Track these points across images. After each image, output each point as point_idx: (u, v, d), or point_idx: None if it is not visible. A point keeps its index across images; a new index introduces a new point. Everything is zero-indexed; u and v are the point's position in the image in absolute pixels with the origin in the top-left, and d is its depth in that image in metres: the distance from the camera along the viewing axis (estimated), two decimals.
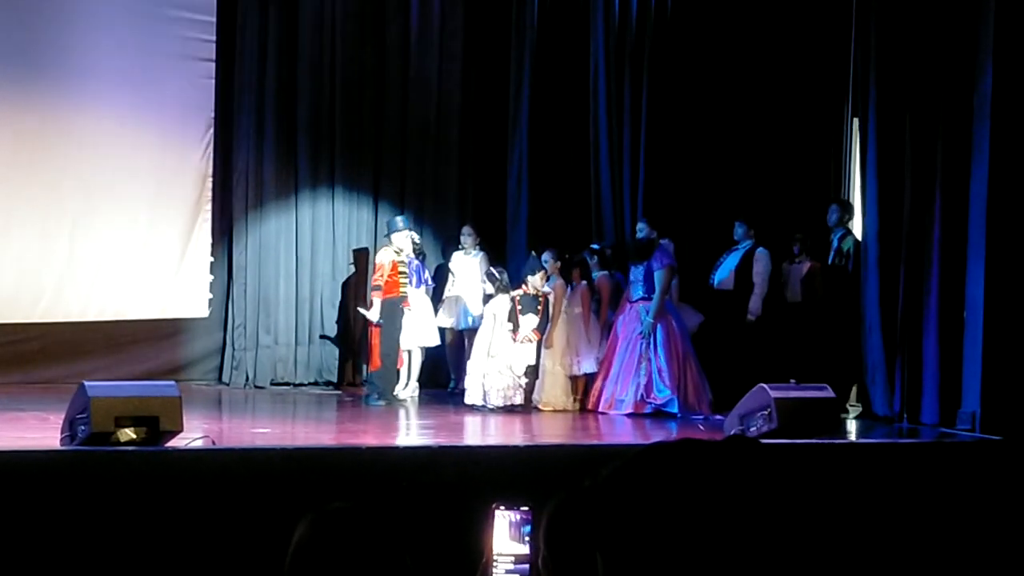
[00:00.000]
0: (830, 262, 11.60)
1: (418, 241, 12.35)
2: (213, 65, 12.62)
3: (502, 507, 4.28)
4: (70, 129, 12.08)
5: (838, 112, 12.59)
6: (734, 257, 11.78)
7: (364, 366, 12.20)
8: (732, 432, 8.29)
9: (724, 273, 11.80)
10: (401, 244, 11.67)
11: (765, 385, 8.80)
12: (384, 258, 11.65)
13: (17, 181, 11.87)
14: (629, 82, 12.94)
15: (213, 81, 12.64)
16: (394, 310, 11.53)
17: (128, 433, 7.05)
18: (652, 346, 11.04)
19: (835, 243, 11.64)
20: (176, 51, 12.45)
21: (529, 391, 11.21)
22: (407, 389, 12.25)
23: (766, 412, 8.57)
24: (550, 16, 13.42)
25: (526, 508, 4.28)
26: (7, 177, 11.84)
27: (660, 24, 12.86)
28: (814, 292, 11.57)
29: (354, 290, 13.19)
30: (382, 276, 11.55)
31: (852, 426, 10.67)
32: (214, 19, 12.59)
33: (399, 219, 11.95)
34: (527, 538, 4.18)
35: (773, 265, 11.70)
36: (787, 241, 11.89)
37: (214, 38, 12.62)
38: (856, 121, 12.14)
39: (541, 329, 11.21)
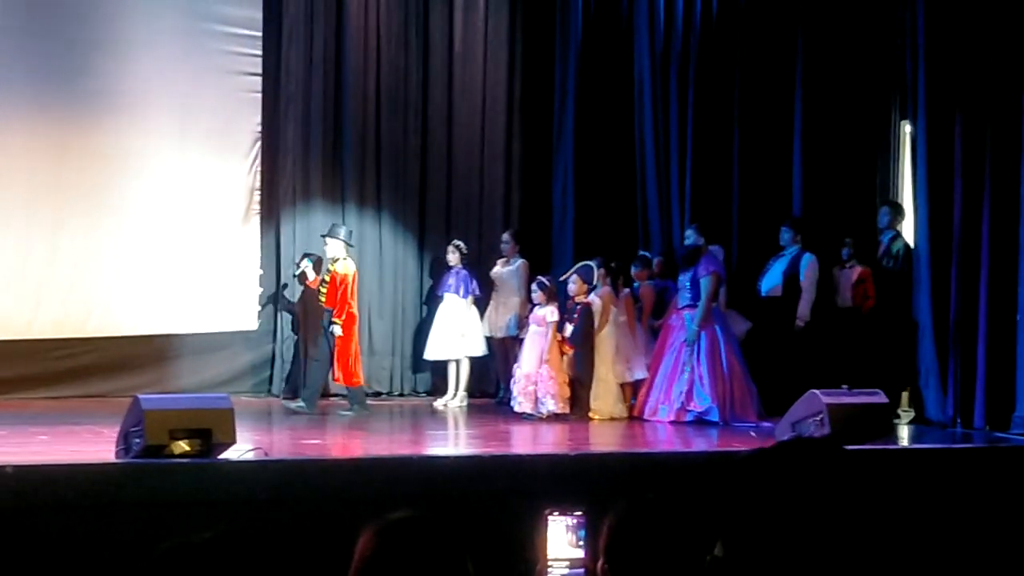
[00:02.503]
0: (881, 265, 11.52)
1: (466, 250, 12.39)
2: (259, 79, 12.73)
3: (555, 513, 4.29)
4: (117, 145, 12.19)
5: (885, 115, 12.50)
6: (781, 263, 11.71)
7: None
8: (784, 439, 8.24)
9: (771, 279, 11.73)
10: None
11: (817, 391, 8.74)
12: (351, 269, 11.61)
13: (66, 197, 11.99)
14: (675, 88, 12.91)
15: (259, 95, 12.74)
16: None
17: (182, 445, 7.07)
18: (695, 354, 11.01)
19: (885, 246, 11.56)
20: (223, 66, 12.56)
21: (575, 400, 11.21)
22: (455, 399, 12.27)
23: (818, 418, 8.50)
24: (595, 23, 13.43)
25: (579, 513, 4.29)
26: (56, 193, 11.96)
27: (705, 29, 12.82)
28: (865, 297, 11.49)
29: (401, 301, 13.24)
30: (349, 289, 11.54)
31: (905, 431, 10.59)
32: (260, 34, 12.70)
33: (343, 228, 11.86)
34: (581, 543, 4.19)
35: (821, 270, 11.63)
36: (834, 246, 11.82)
37: (260, 52, 12.72)
38: (905, 124, 12.06)
39: (574, 340, 11.19)
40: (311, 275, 11.89)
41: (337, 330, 11.31)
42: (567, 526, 3.97)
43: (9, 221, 11.81)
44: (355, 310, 11.53)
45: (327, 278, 11.53)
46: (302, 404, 11.28)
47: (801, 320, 11.42)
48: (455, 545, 2.79)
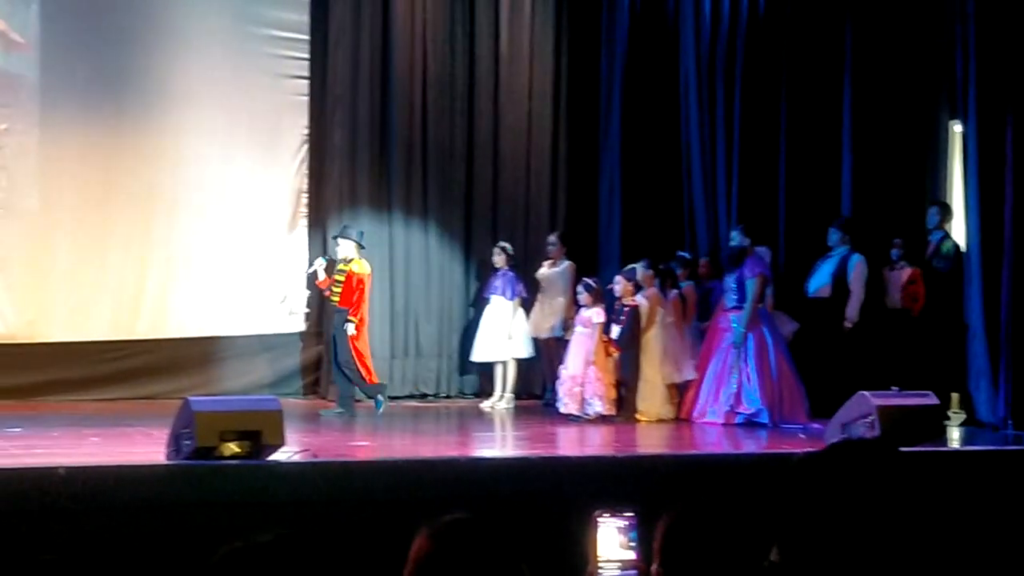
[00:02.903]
0: (930, 266, 11.44)
1: (512, 252, 12.39)
2: (306, 83, 12.79)
3: (606, 514, 4.27)
4: (165, 148, 12.28)
5: (934, 114, 12.41)
6: (830, 264, 11.65)
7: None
8: (834, 441, 8.19)
9: (819, 280, 11.67)
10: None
11: (866, 392, 8.68)
12: (367, 270, 11.61)
13: (115, 201, 12.10)
14: (721, 88, 12.88)
15: (307, 98, 12.80)
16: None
17: (232, 447, 7.12)
18: (743, 356, 10.97)
19: (934, 246, 11.48)
20: (270, 69, 12.63)
21: (621, 401, 11.19)
22: (501, 400, 12.28)
23: (868, 420, 8.45)
24: (640, 24, 13.41)
25: (630, 514, 4.27)
26: (105, 197, 12.06)
27: (752, 27, 12.78)
28: (915, 298, 11.41)
29: (448, 303, 13.27)
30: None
31: (955, 433, 10.50)
32: (307, 37, 12.77)
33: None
34: (632, 544, 4.17)
35: (870, 271, 11.56)
36: (883, 246, 11.74)
37: (307, 56, 12.78)
38: (954, 123, 11.96)
39: (620, 342, 11.16)
40: (321, 276, 11.83)
41: (351, 329, 11.33)
42: (618, 527, 3.94)
43: (60, 224, 11.92)
44: (366, 311, 11.56)
45: (340, 279, 11.52)
46: (341, 410, 11.29)
47: (850, 321, 11.35)
48: (510, 547, 2.78)
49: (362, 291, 11.43)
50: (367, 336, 11.63)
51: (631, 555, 4.01)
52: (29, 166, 11.86)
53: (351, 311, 11.37)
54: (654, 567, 3.26)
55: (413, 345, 13.11)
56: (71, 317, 11.98)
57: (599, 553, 4.00)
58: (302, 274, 12.78)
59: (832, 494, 2.09)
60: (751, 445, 9.88)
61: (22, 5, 11.80)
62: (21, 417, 10.24)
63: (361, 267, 11.49)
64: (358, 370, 11.39)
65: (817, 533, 2.11)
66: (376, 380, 11.60)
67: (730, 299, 11.20)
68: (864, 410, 8.57)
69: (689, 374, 11.31)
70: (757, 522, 3.14)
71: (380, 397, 11.45)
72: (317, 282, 11.90)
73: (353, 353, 11.36)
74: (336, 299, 11.51)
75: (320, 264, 11.83)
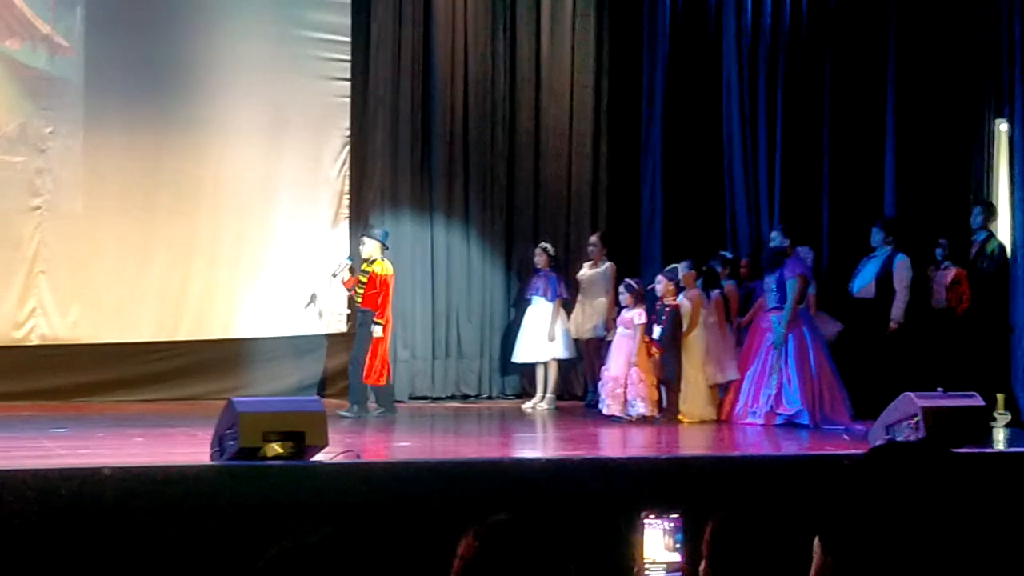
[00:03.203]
0: (975, 266, 11.35)
1: (553, 253, 12.38)
2: (348, 84, 12.82)
3: (652, 516, 4.26)
4: (208, 151, 12.35)
5: (979, 113, 12.31)
6: (873, 264, 11.58)
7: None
8: (878, 442, 8.15)
9: (863, 281, 11.60)
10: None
11: (911, 393, 8.62)
12: (391, 270, 11.58)
13: (158, 203, 12.16)
14: (763, 88, 12.82)
15: (348, 100, 12.83)
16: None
17: (275, 448, 7.14)
18: (783, 356, 10.92)
19: (979, 246, 11.39)
20: (312, 72, 12.67)
21: (664, 402, 11.16)
22: (543, 401, 12.27)
23: (913, 421, 8.38)
24: (683, 24, 13.37)
25: (676, 516, 4.26)
26: (149, 200, 12.13)
27: (795, 27, 12.72)
28: (960, 299, 11.32)
29: (489, 304, 13.27)
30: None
31: (1001, 435, 10.40)
32: (348, 39, 12.80)
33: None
34: (678, 546, 4.16)
35: (914, 271, 11.48)
36: (927, 246, 11.66)
37: (348, 58, 12.82)
38: (1000, 122, 11.86)
39: (662, 342, 11.13)
40: (347, 275, 11.80)
41: (378, 331, 11.30)
42: (664, 529, 3.93)
43: (104, 227, 11.99)
44: (391, 312, 11.55)
45: (363, 279, 11.51)
46: (355, 409, 11.28)
47: (895, 322, 11.28)
48: (556, 548, 2.77)
49: (386, 292, 11.42)
50: (389, 337, 11.59)
51: (676, 557, 3.99)
52: (74, 169, 11.95)
53: (377, 313, 11.36)
54: (702, 567, 3.25)
55: (454, 346, 13.12)
56: (115, 318, 12.06)
57: (645, 554, 3.99)
58: (345, 274, 12.81)
59: (876, 497, 2.07)
60: (795, 447, 9.83)
61: (67, 10, 11.89)
62: (66, 418, 10.33)
63: (384, 268, 11.47)
64: (363, 367, 11.31)
65: (862, 537, 2.09)
66: (380, 382, 11.41)
67: (770, 299, 11.15)
68: (909, 411, 8.51)
69: (732, 374, 11.27)
70: (805, 524, 3.12)
71: (357, 407, 11.30)
72: (343, 281, 11.87)
73: (369, 352, 11.32)
74: (359, 299, 11.50)
75: (346, 264, 11.81)
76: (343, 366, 12.94)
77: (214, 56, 12.38)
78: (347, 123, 12.86)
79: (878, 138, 12.36)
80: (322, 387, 12.62)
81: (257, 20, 12.52)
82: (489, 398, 13.15)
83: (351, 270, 11.80)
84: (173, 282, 12.23)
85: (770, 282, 11.17)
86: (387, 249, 11.68)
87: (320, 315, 12.68)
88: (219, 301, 12.37)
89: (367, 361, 11.30)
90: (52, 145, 11.84)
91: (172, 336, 12.26)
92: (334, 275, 11.94)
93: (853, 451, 8.62)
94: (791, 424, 10.77)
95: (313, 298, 12.59)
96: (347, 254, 12.17)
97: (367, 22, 12.90)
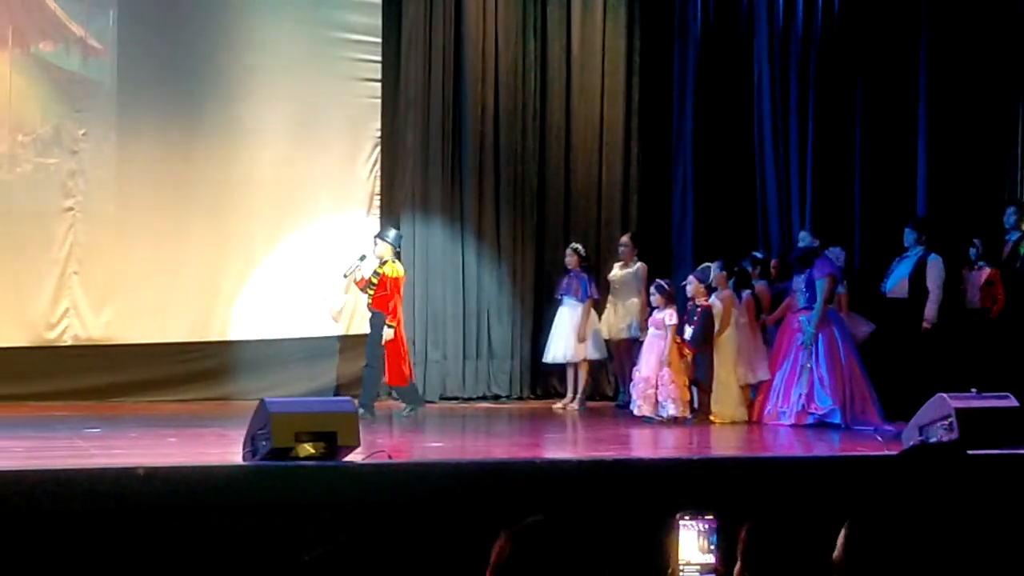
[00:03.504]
0: (1008, 266, 11.28)
1: (584, 253, 12.36)
2: (379, 85, 12.84)
3: (686, 517, 4.24)
4: (240, 151, 12.38)
5: (1011, 113, 12.24)
6: (906, 264, 11.52)
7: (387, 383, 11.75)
8: (912, 443, 8.10)
9: (896, 281, 11.55)
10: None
11: (945, 394, 8.56)
12: (401, 271, 11.57)
13: (190, 204, 12.21)
14: (795, 88, 12.80)
15: (379, 101, 12.85)
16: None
17: (307, 448, 7.15)
18: (814, 356, 10.88)
19: (1011, 246, 11.32)
20: (343, 73, 12.70)
21: (695, 403, 11.13)
22: (574, 402, 12.26)
23: (947, 422, 8.33)
24: (714, 24, 13.34)
25: (711, 517, 4.24)
26: (181, 200, 12.19)
27: (827, 28, 12.68)
28: (994, 299, 11.26)
29: (520, 304, 13.26)
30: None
31: None
32: (379, 40, 12.82)
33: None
34: (713, 547, 4.14)
35: (948, 271, 11.42)
36: (959, 246, 11.60)
37: (379, 58, 12.84)
38: None
39: (693, 343, 11.10)
40: (358, 275, 11.75)
41: (389, 333, 11.28)
42: (699, 530, 3.92)
43: (137, 227, 12.05)
44: (401, 311, 11.53)
45: (375, 280, 11.49)
46: (362, 411, 11.23)
47: (928, 322, 11.22)
48: (592, 550, 2.77)
49: (397, 293, 11.41)
50: (404, 337, 11.57)
51: (711, 559, 3.98)
52: (106, 170, 12.02)
53: (389, 316, 11.34)
54: (737, 569, 3.24)
55: (485, 346, 13.12)
56: (147, 319, 12.11)
57: (680, 556, 3.98)
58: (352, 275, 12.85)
59: (910, 498, 2.06)
60: (827, 447, 9.79)
61: (100, 12, 11.95)
62: (99, 418, 10.39)
63: (394, 270, 11.46)
64: (382, 367, 11.33)
65: (895, 537, 2.08)
66: (403, 383, 11.45)
67: (800, 300, 11.12)
68: (943, 412, 8.46)
69: (763, 375, 11.24)
70: (840, 527, 3.11)
71: (410, 404, 11.37)
72: (355, 281, 11.81)
73: (386, 352, 11.31)
74: (371, 300, 11.48)
75: (357, 264, 11.75)
76: None
77: (245, 57, 12.42)
78: (378, 124, 12.89)
79: (910, 137, 12.31)
80: (357, 387, 12.64)
81: (288, 22, 12.56)
82: (520, 399, 13.14)
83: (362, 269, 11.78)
84: (205, 283, 12.28)
85: (799, 282, 11.14)
86: (399, 251, 11.68)
87: (337, 316, 12.69)
88: (251, 301, 12.41)
89: (384, 362, 11.31)
90: (85, 147, 11.91)
91: (204, 336, 12.31)
92: (345, 275, 11.94)
93: (886, 452, 8.58)
94: (822, 424, 10.72)
95: (341, 298, 12.59)
96: (359, 253, 12.16)
97: (398, 23, 12.92)
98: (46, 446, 8.66)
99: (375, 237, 11.72)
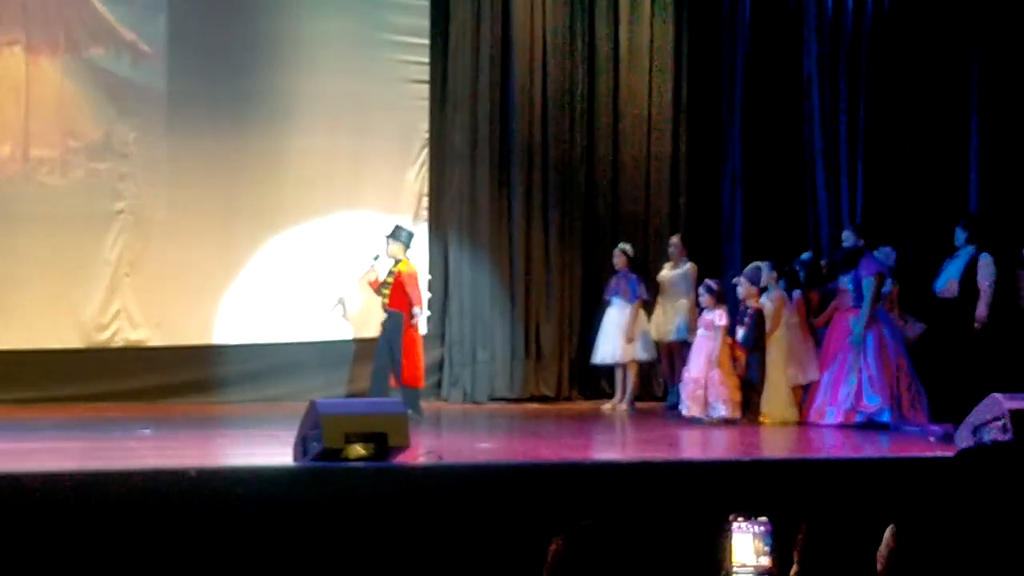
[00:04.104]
0: None
1: (632, 254, 12.33)
2: (427, 87, 12.87)
3: (740, 519, 4.22)
4: (289, 154, 12.44)
5: None
6: (957, 264, 11.42)
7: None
8: (965, 445, 8.03)
9: (947, 280, 11.44)
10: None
11: (999, 395, 8.48)
12: (416, 269, 11.55)
13: (239, 204, 12.28)
14: (845, 87, 12.71)
15: (427, 102, 12.88)
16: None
17: (357, 449, 7.17)
18: (863, 355, 10.81)
19: None
20: (391, 74, 12.74)
21: (746, 403, 11.08)
22: (622, 403, 12.23)
23: (1000, 423, 8.25)
24: (762, 23, 13.29)
25: (765, 519, 4.21)
26: (231, 203, 12.25)
27: (876, 24, 12.59)
28: None
29: (568, 305, 13.25)
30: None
31: None
32: (427, 42, 12.85)
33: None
34: (767, 550, 4.11)
35: (1000, 270, 11.31)
36: (1011, 245, 11.49)
37: (427, 60, 12.86)
38: None
39: (745, 344, 11.05)
40: (372, 276, 11.70)
41: (419, 324, 11.23)
42: (754, 533, 3.89)
43: (187, 230, 12.12)
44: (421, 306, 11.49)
45: (389, 280, 11.45)
46: (415, 416, 11.19)
47: (980, 322, 11.12)
48: (645, 552, 2.76)
49: (415, 287, 11.37)
50: (420, 339, 11.50)
51: (766, 561, 3.95)
52: (157, 174, 12.09)
53: (414, 307, 11.26)
54: (793, 571, 3.22)
55: (533, 347, 13.11)
56: (198, 321, 12.19)
57: (734, 559, 3.95)
58: (423, 276, 12.86)
59: (966, 499, 2.04)
60: (879, 449, 9.72)
61: (150, 16, 12.04)
62: (150, 419, 10.45)
63: (408, 267, 11.45)
64: (400, 368, 11.19)
65: (951, 538, 2.06)
66: (419, 384, 11.32)
67: (847, 300, 11.05)
68: (996, 413, 8.37)
69: (813, 375, 11.18)
70: (899, 526, 3.08)
71: (411, 408, 11.16)
72: (369, 283, 11.77)
73: (403, 351, 11.22)
74: (386, 300, 11.44)
75: (372, 265, 11.72)
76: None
77: (294, 61, 12.47)
78: (426, 125, 12.92)
79: (962, 134, 12.21)
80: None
81: (336, 24, 12.61)
82: (568, 400, 13.12)
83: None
84: (255, 284, 12.33)
85: (846, 282, 11.08)
86: (409, 249, 11.65)
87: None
88: (301, 304, 12.46)
89: (402, 361, 11.19)
90: (135, 151, 11.99)
91: (253, 339, 12.37)
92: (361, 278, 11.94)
93: (939, 453, 8.51)
94: (871, 423, 10.64)
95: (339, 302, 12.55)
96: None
97: (446, 25, 12.95)
98: (99, 447, 8.73)
99: (387, 237, 11.66)
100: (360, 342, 12.62)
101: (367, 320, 12.59)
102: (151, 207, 12.08)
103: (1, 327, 11.64)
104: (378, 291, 11.57)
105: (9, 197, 11.67)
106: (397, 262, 11.45)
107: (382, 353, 11.33)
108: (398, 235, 11.57)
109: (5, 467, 7.07)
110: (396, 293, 11.34)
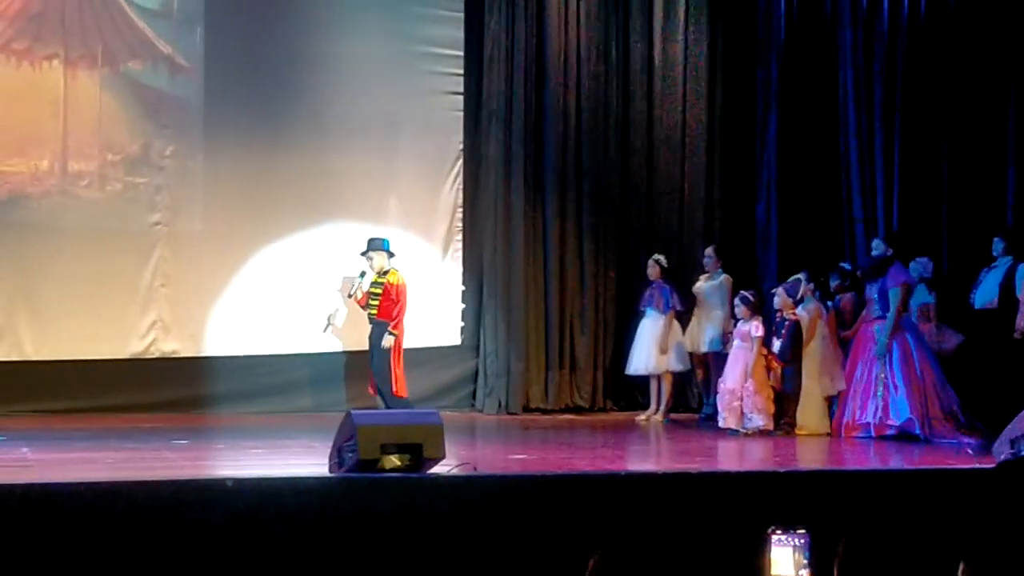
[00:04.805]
0: None
1: (666, 265, 12.32)
2: (461, 98, 12.90)
3: (779, 532, 4.19)
4: (325, 167, 12.49)
5: None
6: (995, 274, 11.34)
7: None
8: (1003, 457, 7.97)
9: (985, 291, 11.36)
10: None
11: None
12: (404, 279, 11.55)
13: (274, 218, 12.34)
14: (880, 96, 12.65)
15: (461, 113, 12.91)
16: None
17: (393, 460, 7.17)
18: (888, 365, 10.73)
19: None
20: (426, 86, 12.79)
21: (781, 415, 11.03)
22: (657, 414, 12.20)
23: None
24: (797, 32, 13.25)
25: (803, 531, 4.18)
26: (265, 215, 12.32)
27: (913, 31, 12.53)
28: None
29: (602, 316, 13.22)
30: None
31: None
32: (462, 53, 12.89)
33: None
34: (806, 562, 4.09)
35: None
36: None
37: (462, 72, 12.89)
38: None
39: (782, 355, 11.00)
40: (359, 294, 11.72)
41: (389, 341, 11.30)
42: (793, 546, 3.87)
43: (222, 243, 12.20)
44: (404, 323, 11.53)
45: (377, 291, 11.48)
46: None
47: (1019, 333, 11.03)
48: (684, 565, 2.75)
49: (402, 302, 11.42)
50: (402, 349, 11.55)
51: (805, 573, 3.92)
52: (193, 186, 12.17)
53: (392, 324, 11.36)
54: None
55: (568, 357, 13.10)
56: (232, 332, 12.25)
57: (773, 571, 3.93)
58: (457, 288, 12.88)
59: (1006, 512, 2.03)
60: (913, 461, 9.64)
61: (187, 30, 12.12)
62: (186, 429, 10.50)
63: (397, 277, 11.50)
64: (390, 380, 11.31)
65: (1000, 551, 2.04)
66: (404, 393, 11.43)
67: (874, 310, 10.98)
68: None
69: (841, 385, 11.12)
70: (937, 540, 3.06)
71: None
72: (356, 300, 11.77)
73: (391, 362, 11.31)
74: (374, 311, 11.49)
75: (359, 282, 11.69)
76: (458, 377, 13.00)
77: (330, 74, 12.53)
78: (461, 136, 12.95)
79: (999, 144, 12.13)
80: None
81: (372, 37, 12.66)
82: (603, 410, 13.10)
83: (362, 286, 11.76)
84: (290, 297, 12.38)
85: (872, 291, 11.01)
86: (392, 256, 11.65)
87: (463, 327, 12.69)
88: (335, 315, 12.48)
89: (391, 371, 11.30)
90: (172, 164, 12.08)
91: (288, 349, 12.41)
92: (350, 295, 11.90)
93: (977, 465, 8.44)
94: (902, 435, 10.56)
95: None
96: (475, 268, 12.17)
97: (480, 36, 12.98)
98: (136, 457, 8.76)
99: (365, 254, 11.67)
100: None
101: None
102: (187, 219, 12.15)
103: (38, 338, 11.74)
104: (365, 307, 11.64)
105: (47, 210, 11.76)
106: (384, 273, 11.47)
107: (373, 360, 11.44)
108: (375, 245, 11.61)
109: (44, 477, 7.11)
110: (385, 303, 11.38)
